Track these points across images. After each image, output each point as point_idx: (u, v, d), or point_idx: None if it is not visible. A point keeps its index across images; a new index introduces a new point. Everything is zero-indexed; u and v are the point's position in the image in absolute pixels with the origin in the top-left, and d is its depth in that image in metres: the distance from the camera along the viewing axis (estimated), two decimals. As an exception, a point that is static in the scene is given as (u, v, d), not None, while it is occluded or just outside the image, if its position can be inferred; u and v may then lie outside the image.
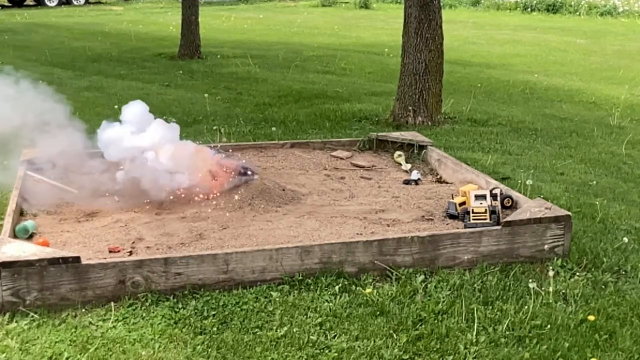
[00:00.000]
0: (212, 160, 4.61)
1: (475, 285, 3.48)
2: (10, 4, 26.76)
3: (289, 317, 3.16)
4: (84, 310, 3.22)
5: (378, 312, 3.21)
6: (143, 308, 3.23)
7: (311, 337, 3.00)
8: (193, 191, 4.39)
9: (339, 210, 4.31)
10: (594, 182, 5.39)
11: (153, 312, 3.19)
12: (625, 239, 4.03)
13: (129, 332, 3.03)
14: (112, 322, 3.11)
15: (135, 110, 4.68)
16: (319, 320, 3.13)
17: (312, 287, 3.43)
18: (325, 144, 5.87)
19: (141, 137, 4.50)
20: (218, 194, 4.40)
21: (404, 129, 6.87)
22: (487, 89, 9.73)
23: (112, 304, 3.26)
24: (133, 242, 3.79)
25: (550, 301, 3.34)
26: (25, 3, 26.93)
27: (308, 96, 8.82)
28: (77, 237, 3.86)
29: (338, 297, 3.34)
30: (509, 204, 4.30)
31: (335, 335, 3.03)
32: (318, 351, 2.91)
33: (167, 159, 4.41)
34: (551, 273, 3.48)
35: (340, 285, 3.44)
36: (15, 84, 4.73)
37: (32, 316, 3.14)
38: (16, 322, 3.10)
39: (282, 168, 5.26)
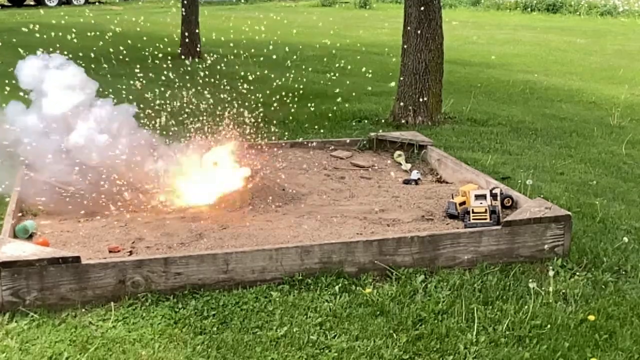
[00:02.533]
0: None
1: (475, 285, 3.48)
2: (10, 4, 26.74)
3: (289, 317, 3.16)
4: (84, 310, 3.22)
5: (378, 312, 3.21)
6: (143, 308, 3.23)
7: (311, 337, 3.00)
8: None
9: (339, 210, 4.31)
10: (594, 182, 5.39)
11: (153, 312, 3.19)
12: (625, 239, 4.03)
13: (129, 332, 3.03)
14: (112, 322, 3.11)
15: (31, 71, 4.42)
16: (319, 320, 3.13)
17: (312, 287, 3.43)
18: (325, 144, 5.87)
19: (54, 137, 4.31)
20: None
21: (404, 128, 6.87)
22: (487, 89, 9.73)
23: (112, 304, 3.25)
24: (133, 242, 3.78)
25: (550, 301, 3.34)
26: (25, 3, 26.91)
27: (308, 96, 8.81)
28: (77, 237, 3.86)
29: (338, 297, 3.34)
30: (509, 204, 4.30)
31: (335, 335, 3.03)
32: (318, 351, 2.91)
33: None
34: (551, 273, 3.48)
35: (340, 285, 3.44)
36: None
37: (32, 316, 3.14)
38: (16, 322, 3.10)
39: (282, 168, 5.26)
